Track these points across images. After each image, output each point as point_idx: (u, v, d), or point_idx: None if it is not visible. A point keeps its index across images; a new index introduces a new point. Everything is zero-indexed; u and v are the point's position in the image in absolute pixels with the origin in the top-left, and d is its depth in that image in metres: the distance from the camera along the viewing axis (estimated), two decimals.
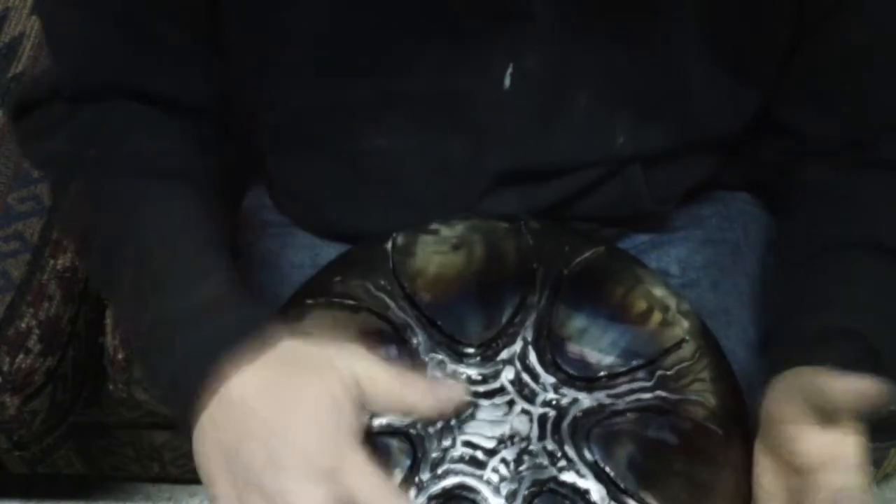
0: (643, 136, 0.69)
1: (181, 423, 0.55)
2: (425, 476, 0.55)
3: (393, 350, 0.60)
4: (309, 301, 0.64)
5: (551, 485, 0.55)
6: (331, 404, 0.52)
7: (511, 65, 0.65)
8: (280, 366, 0.53)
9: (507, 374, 0.59)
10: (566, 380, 0.59)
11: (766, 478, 0.59)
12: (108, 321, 0.98)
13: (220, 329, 0.55)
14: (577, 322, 0.61)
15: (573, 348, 0.60)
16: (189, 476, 1.23)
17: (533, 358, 0.59)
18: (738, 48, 0.66)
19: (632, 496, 0.55)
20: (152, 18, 0.65)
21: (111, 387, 1.00)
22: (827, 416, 0.55)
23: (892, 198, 0.69)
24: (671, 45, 0.65)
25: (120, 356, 0.97)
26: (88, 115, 0.66)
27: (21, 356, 0.92)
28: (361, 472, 0.51)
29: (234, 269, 0.61)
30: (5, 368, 0.92)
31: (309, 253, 0.78)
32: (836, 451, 0.55)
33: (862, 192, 0.70)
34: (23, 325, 0.93)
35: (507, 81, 0.66)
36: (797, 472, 0.56)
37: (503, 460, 0.56)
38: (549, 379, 0.59)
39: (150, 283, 0.59)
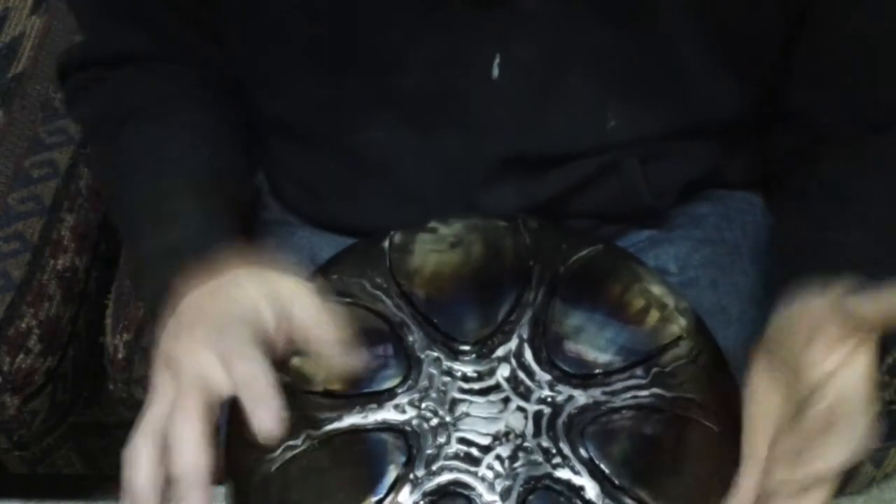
0: (636, 120, 0.69)
1: None
2: (420, 472, 0.55)
3: (389, 347, 0.60)
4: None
5: (546, 481, 0.55)
6: (231, 319, 0.55)
7: (498, 55, 0.65)
8: (215, 284, 0.58)
9: (503, 372, 0.59)
10: (561, 377, 0.59)
11: (762, 394, 0.59)
12: (108, 321, 0.98)
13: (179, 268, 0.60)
14: (574, 319, 0.61)
15: (569, 346, 0.60)
16: None
17: (528, 355, 0.59)
18: (729, 30, 0.65)
19: (627, 493, 0.55)
20: (153, 12, 0.70)
21: (111, 387, 1.00)
22: (850, 329, 0.55)
23: None
24: (660, 26, 0.64)
25: (120, 356, 0.97)
26: (111, 81, 0.73)
27: (21, 356, 0.93)
28: (244, 357, 0.53)
29: (213, 203, 0.66)
30: (5, 368, 0.92)
31: (307, 251, 0.78)
32: (845, 363, 0.55)
33: (863, 187, 0.69)
34: (23, 325, 0.93)
35: (496, 72, 0.66)
36: (799, 387, 0.56)
37: (498, 457, 0.56)
38: (544, 376, 0.59)
39: (136, 226, 0.67)
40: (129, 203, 0.69)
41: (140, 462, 0.52)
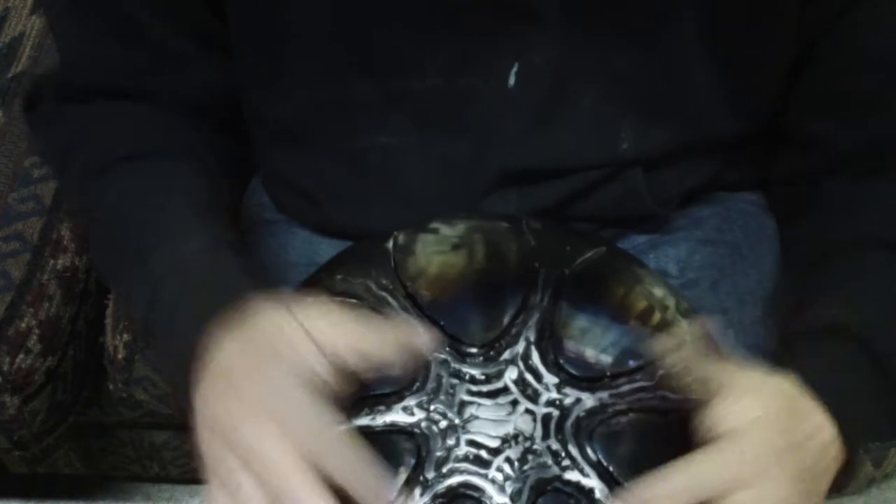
0: (646, 137, 0.69)
1: (184, 401, 0.56)
2: (430, 475, 0.56)
3: None
4: (310, 299, 0.64)
5: (556, 484, 0.55)
6: (280, 376, 0.51)
7: (516, 64, 0.65)
8: (259, 340, 0.53)
9: (511, 374, 0.59)
10: (568, 380, 0.59)
11: None
12: (108, 321, 0.98)
13: (199, 305, 0.57)
14: (580, 322, 0.61)
15: (575, 348, 0.60)
16: (189, 476, 1.23)
17: (536, 358, 0.60)
18: (739, 49, 0.66)
19: None
20: (150, 21, 0.67)
21: (111, 387, 1.00)
22: None
23: None
24: (674, 45, 0.65)
25: (120, 356, 0.97)
26: (86, 113, 0.70)
27: (21, 356, 0.93)
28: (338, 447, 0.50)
29: (220, 228, 0.64)
30: (5, 368, 0.92)
31: (307, 252, 0.78)
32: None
33: (874, 196, 0.69)
34: (23, 325, 0.93)
35: (512, 80, 0.66)
36: None
37: (507, 459, 0.56)
38: (551, 379, 0.59)
39: (137, 255, 0.63)
40: (131, 236, 0.65)
41: None
